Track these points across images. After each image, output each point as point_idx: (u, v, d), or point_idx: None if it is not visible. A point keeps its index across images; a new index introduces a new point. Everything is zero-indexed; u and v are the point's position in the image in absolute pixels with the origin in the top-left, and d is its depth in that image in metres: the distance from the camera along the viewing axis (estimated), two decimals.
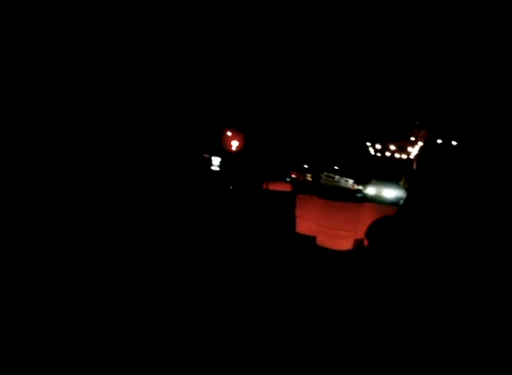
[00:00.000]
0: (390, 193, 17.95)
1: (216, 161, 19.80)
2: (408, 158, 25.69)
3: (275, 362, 3.11)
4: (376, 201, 12.33)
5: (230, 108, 21.18)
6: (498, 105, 13.21)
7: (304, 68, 23.21)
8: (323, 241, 7.10)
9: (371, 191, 19.08)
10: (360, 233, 7.38)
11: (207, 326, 3.59)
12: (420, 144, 21.38)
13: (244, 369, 3.01)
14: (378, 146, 25.50)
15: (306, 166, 28.92)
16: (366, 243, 6.76)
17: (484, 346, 3.53)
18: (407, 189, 21.96)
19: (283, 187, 17.37)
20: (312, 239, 7.62)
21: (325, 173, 21.29)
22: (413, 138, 21.54)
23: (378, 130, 23.38)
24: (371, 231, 6.54)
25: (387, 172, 24.71)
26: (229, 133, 19.30)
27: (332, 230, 6.95)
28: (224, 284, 4.81)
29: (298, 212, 8.29)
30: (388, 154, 26.59)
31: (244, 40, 20.57)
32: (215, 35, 19.35)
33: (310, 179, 24.38)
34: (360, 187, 20.37)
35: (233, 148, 19.07)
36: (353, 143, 27.68)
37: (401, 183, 23.91)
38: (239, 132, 19.54)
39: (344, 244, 6.94)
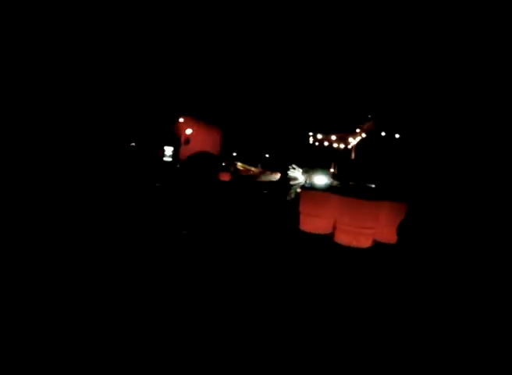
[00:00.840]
0: (321, 180, 19.01)
1: (169, 151, 18.47)
2: (346, 148, 27.05)
3: (288, 363, 3.01)
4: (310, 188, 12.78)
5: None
6: (448, 101, 14.38)
7: (250, 54, 22.73)
8: (347, 239, 6.99)
9: (302, 178, 19.88)
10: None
11: (208, 327, 3.40)
12: (363, 135, 22.71)
13: (249, 368, 2.90)
14: (319, 136, 26.40)
15: (234, 154, 28.65)
16: (395, 240, 6.88)
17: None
18: (337, 176, 23.23)
19: (223, 176, 16.84)
20: (323, 237, 7.47)
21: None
22: (358, 130, 22.73)
23: (326, 121, 24.17)
24: (404, 229, 6.67)
25: (319, 160, 25.85)
26: (181, 120, 18.12)
27: (357, 229, 6.88)
28: (240, 284, 4.59)
29: (305, 210, 8.03)
30: (326, 143, 27.64)
31: (190, 28, 19.38)
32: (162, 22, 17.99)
33: (241, 167, 23.94)
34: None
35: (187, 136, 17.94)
36: (295, 133, 28.26)
37: (332, 170, 25.27)
38: (193, 118, 18.47)
39: (367, 241, 6.95)
